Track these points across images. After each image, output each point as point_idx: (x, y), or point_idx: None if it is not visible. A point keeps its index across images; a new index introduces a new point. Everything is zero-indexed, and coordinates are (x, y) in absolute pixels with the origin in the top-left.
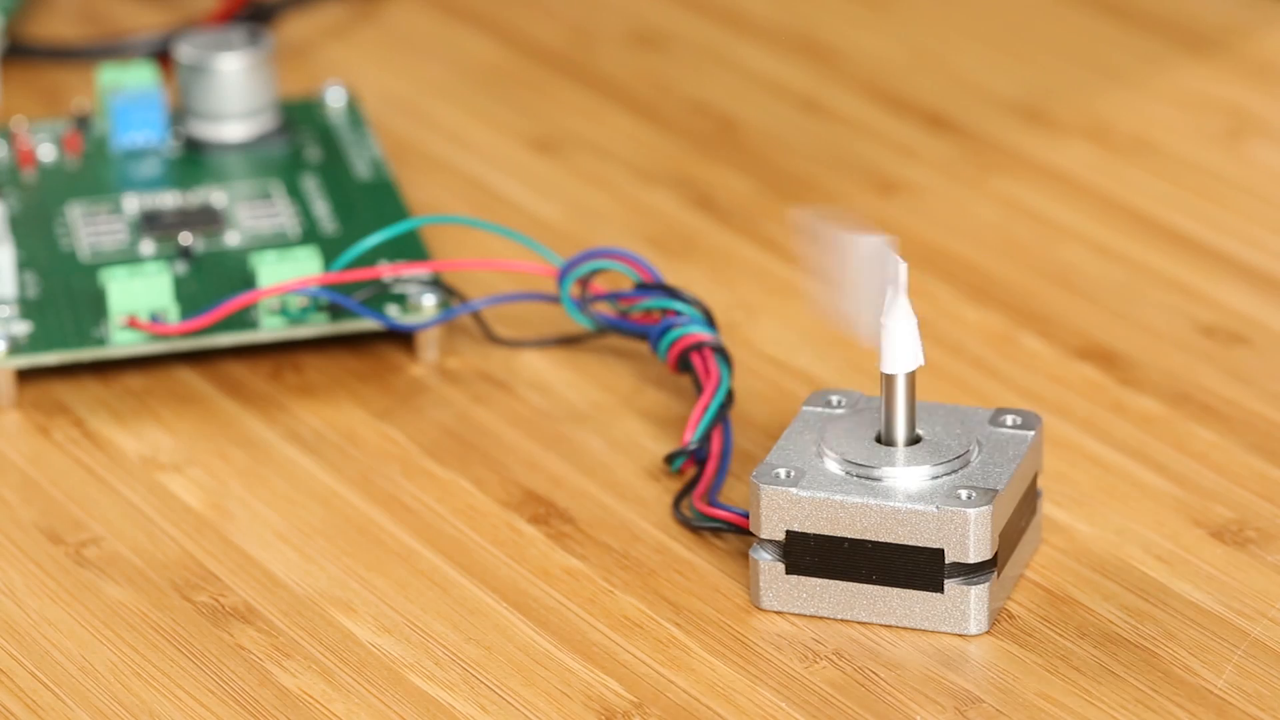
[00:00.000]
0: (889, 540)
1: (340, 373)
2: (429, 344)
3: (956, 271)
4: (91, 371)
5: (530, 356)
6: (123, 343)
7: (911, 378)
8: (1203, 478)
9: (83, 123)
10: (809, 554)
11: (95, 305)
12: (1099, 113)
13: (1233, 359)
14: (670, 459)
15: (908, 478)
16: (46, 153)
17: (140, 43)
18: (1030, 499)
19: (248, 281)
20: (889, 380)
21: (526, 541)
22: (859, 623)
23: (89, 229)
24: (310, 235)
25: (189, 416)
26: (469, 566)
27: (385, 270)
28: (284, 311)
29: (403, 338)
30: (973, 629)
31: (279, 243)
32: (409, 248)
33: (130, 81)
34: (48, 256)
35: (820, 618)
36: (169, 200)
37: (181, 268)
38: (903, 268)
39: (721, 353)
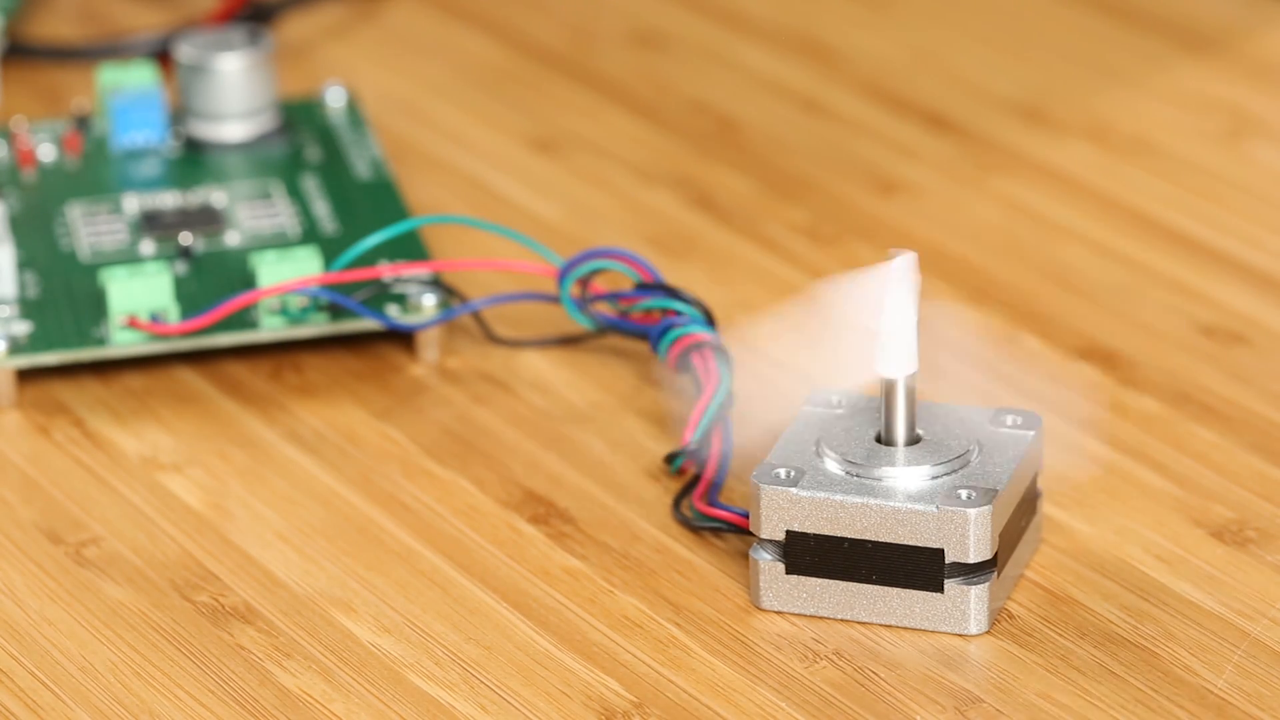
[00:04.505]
0: (889, 540)
1: (340, 373)
2: (429, 344)
3: (956, 271)
4: (91, 371)
5: (530, 356)
6: (123, 343)
7: (912, 378)
8: (1203, 478)
9: (83, 123)
10: (809, 554)
11: (95, 305)
12: (1099, 113)
13: (1233, 359)
14: (670, 459)
15: (908, 478)
16: (46, 153)
17: (140, 43)
18: (1030, 499)
19: (248, 281)
20: (889, 381)
21: (526, 541)
22: (859, 623)
23: (89, 229)
24: (310, 235)
25: (189, 416)
26: (469, 566)
27: (385, 270)
28: (284, 311)
29: (403, 338)
30: (973, 629)
31: (279, 243)
32: (409, 248)
33: (130, 81)
34: (48, 256)
35: (820, 618)
36: (169, 200)
37: (181, 268)
38: (903, 268)
39: (722, 353)
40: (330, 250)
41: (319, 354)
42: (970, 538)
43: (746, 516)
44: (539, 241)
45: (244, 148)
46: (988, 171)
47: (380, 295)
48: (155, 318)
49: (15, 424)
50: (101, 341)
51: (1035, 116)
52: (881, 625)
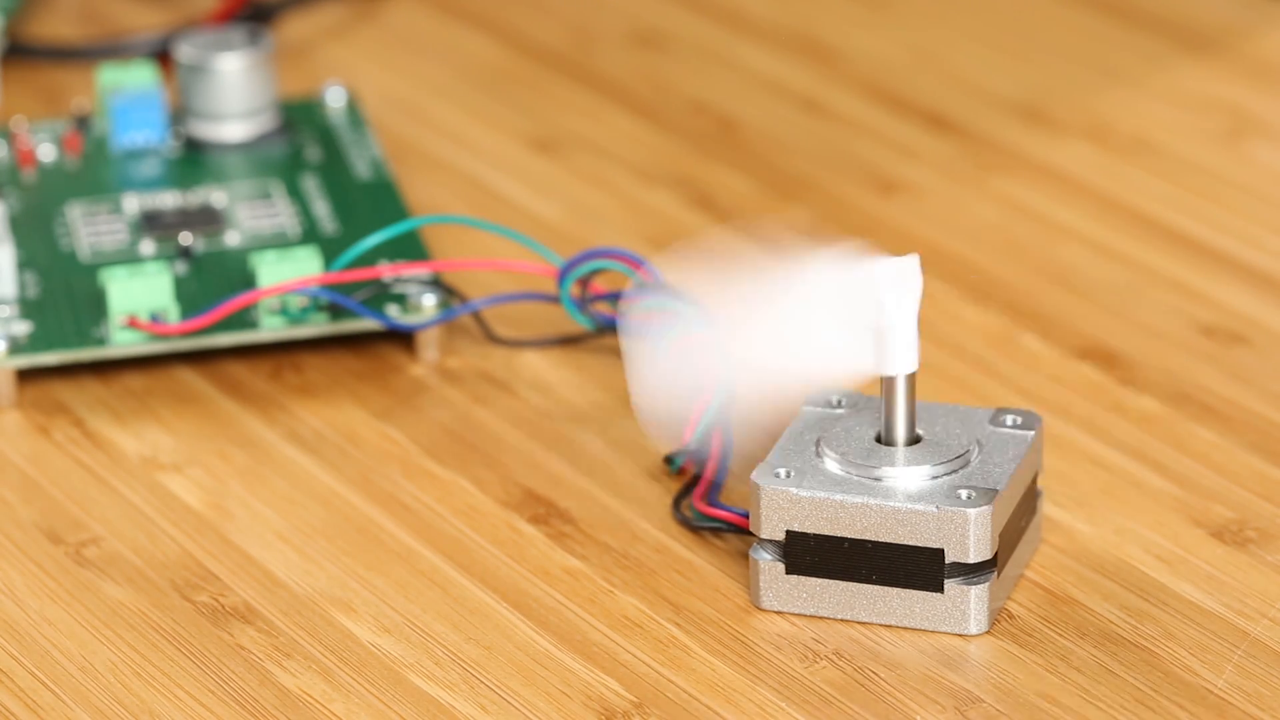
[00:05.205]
0: (889, 540)
1: (340, 373)
2: (429, 344)
3: (956, 271)
4: (91, 371)
5: (530, 356)
6: (123, 343)
7: (911, 378)
8: (1203, 478)
9: (83, 123)
10: (809, 554)
11: (95, 305)
12: (1099, 113)
13: (1233, 359)
14: (670, 459)
15: (908, 478)
16: (46, 153)
17: (140, 43)
18: (1030, 499)
19: (248, 281)
20: (889, 381)
21: (526, 541)
22: (859, 623)
23: (89, 229)
24: (310, 235)
25: (189, 416)
26: (469, 566)
27: (385, 270)
28: (284, 311)
29: (403, 338)
30: (973, 629)
31: (279, 243)
32: (409, 248)
33: (130, 81)
34: (48, 256)
35: (820, 618)
36: (169, 200)
37: (181, 268)
38: (903, 268)
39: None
40: (330, 250)
41: (319, 354)
42: (970, 538)
43: (746, 516)
44: (539, 241)
45: (244, 148)
46: (988, 171)
47: (380, 295)
48: (155, 318)
49: (15, 424)
50: (101, 341)
51: (1035, 116)
52: (881, 625)
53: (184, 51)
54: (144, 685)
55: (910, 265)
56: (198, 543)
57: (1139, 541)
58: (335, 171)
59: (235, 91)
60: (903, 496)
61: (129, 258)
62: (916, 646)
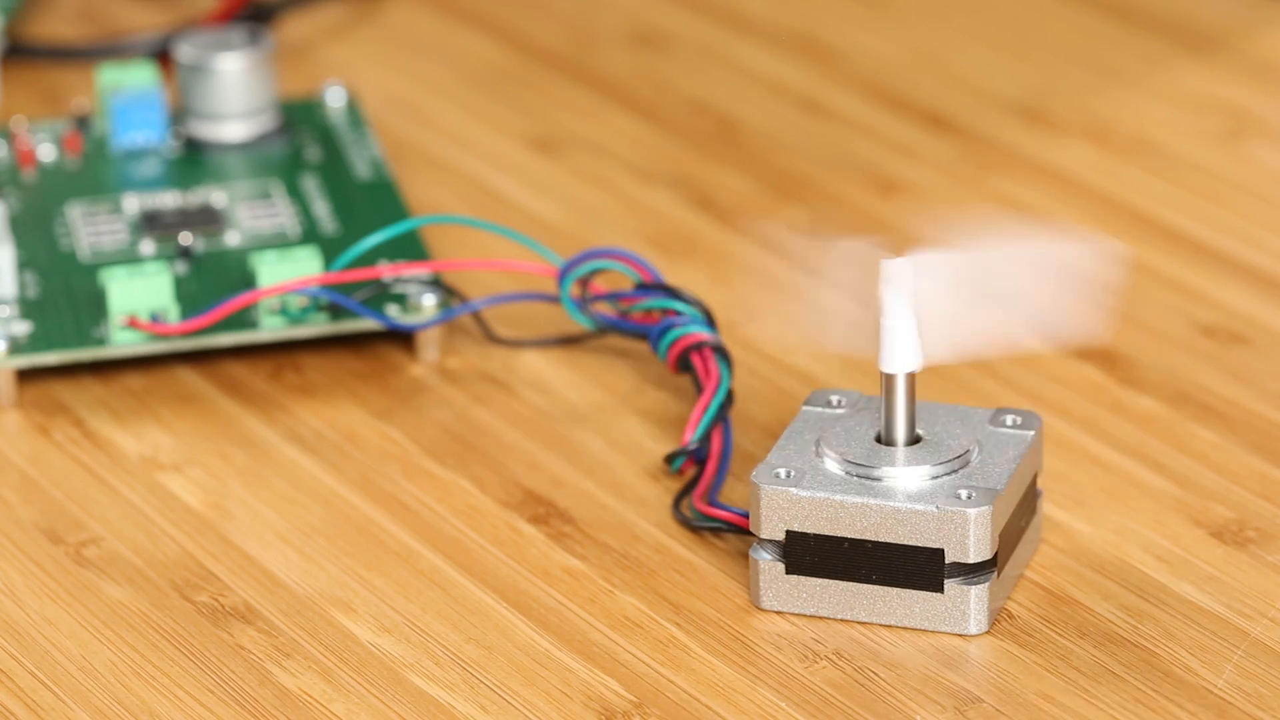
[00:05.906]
0: (889, 540)
1: (340, 373)
2: (429, 344)
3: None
4: (91, 371)
5: (530, 356)
6: (123, 343)
7: (911, 377)
8: (1203, 478)
9: (83, 123)
10: (809, 554)
11: (95, 305)
12: (1099, 113)
13: (1233, 359)
14: (670, 459)
15: (908, 478)
16: (46, 153)
17: (140, 43)
18: (1030, 499)
19: (248, 281)
20: (889, 380)
21: (526, 541)
22: (859, 623)
23: (89, 229)
24: (310, 235)
25: (189, 416)
26: (469, 566)
27: (385, 270)
28: (284, 311)
29: (403, 338)
30: (973, 629)
31: (279, 243)
32: (409, 248)
33: (130, 81)
34: (48, 256)
35: (820, 618)
36: (169, 200)
37: (181, 268)
38: (904, 266)
39: (721, 353)
40: (330, 250)
41: (319, 354)
42: (970, 538)
43: (746, 516)
44: (539, 241)
45: (244, 148)
46: (988, 171)
47: (380, 295)
48: (155, 318)
49: (15, 424)
50: (101, 341)
51: (1035, 116)
52: (881, 625)
53: (184, 51)
54: (144, 685)
55: (910, 264)
56: (198, 543)
57: (1139, 541)
58: (335, 171)
59: (235, 91)
60: (903, 496)
61: (129, 258)
62: (916, 646)
